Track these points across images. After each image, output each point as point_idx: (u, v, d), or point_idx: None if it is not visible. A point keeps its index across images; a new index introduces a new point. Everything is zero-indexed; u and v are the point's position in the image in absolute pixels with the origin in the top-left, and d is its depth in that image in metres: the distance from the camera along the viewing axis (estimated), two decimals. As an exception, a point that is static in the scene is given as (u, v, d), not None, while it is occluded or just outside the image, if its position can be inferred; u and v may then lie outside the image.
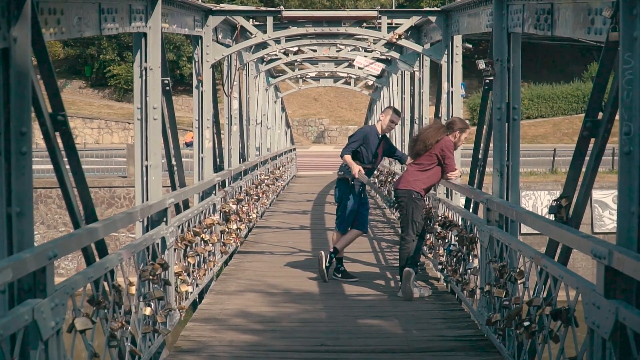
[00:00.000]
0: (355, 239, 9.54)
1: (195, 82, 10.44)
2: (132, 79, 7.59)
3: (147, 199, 7.18)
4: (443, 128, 8.59)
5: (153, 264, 6.21)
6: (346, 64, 21.61)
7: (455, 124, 8.62)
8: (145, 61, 7.22)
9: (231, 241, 10.66)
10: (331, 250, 9.37)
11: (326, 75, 25.31)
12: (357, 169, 8.99)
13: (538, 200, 23.39)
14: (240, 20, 11.70)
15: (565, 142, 41.12)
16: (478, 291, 7.14)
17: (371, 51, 16.20)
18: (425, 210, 8.79)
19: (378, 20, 11.65)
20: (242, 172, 13.50)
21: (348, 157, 9.08)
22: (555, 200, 5.29)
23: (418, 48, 11.64)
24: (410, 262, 8.40)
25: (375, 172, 10.67)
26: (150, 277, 6.06)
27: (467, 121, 9.19)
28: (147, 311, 5.94)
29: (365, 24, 12.11)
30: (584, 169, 5.18)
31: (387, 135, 9.49)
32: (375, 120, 26.06)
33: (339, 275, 9.36)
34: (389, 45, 12.70)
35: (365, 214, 9.44)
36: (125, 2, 6.51)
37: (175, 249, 7.26)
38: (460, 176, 8.77)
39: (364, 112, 34.18)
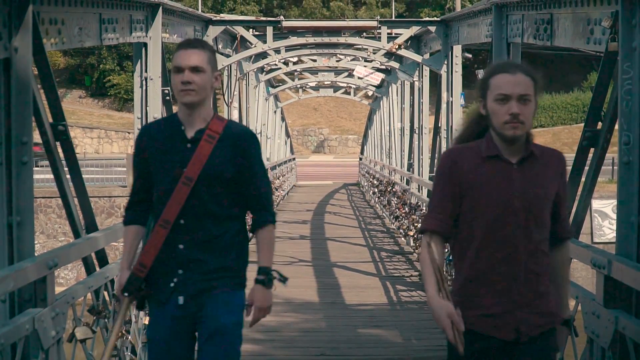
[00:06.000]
0: None
1: (195, 92, 10.45)
2: (132, 88, 7.61)
3: (147, 209, 7.17)
4: None
5: (153, 273, 6.20)
6: (346, 73, 21.65)
7: None
8: (146, 71, 7.24)
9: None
10: None
11: (326, 84, 25.35)
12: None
13: (538, 209, 23.34)
14: (240, 30, 11.73)
15: (565, 151, 40.57)
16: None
17: (371, 61, 16.24)
18: None
19: (378, 30, 11.68)
20: (242, 182, 13.47)
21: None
22: (555, 209, 5.28)
23: (418, 58, 11.67)
24: None
25: None
26: (151, 287, 6.05)
27: None
28: (147, 320, 5.93)
29: (365, 34, 12.15)
30: (583, 179, 5.19)
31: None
32: (376, 129, 25.98)
33: None
34: (389, 55, 12.73)
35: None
36: (125, 12, 6.53)
37: (175, 259, 7.24)
38: None
39: (364, 121, 34.18)
